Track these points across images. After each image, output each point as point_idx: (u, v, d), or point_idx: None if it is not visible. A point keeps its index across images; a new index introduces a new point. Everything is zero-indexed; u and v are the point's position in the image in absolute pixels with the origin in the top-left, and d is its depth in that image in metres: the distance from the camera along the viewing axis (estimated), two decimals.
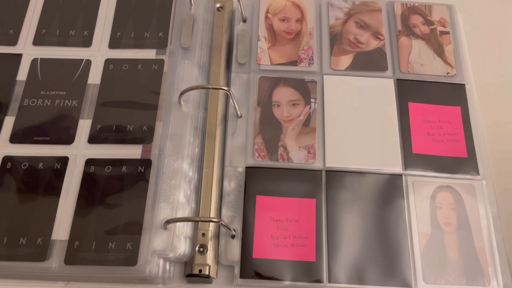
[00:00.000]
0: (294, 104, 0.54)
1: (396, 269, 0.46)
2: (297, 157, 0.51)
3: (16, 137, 0.49)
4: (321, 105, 0.54)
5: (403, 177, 0.51)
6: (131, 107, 0.50)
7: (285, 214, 0.48)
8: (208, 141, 0.52)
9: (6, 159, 0.47)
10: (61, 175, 0.47)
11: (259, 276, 0.46)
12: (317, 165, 0.51)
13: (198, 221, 0.48)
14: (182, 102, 0.51)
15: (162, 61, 0.53)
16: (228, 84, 0.56)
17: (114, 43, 0.54)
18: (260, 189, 0.49)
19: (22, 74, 0.52)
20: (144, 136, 0.48)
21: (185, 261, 0.47)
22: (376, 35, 0.59)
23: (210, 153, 0.51)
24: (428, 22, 0.60)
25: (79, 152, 0.48)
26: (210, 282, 0.47)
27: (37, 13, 0.56)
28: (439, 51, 0.58)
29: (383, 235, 0.48)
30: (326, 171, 0.51)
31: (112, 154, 0.48)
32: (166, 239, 0.44)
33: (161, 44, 0.54)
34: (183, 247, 0.45)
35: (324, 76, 0.56)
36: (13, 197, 0.45)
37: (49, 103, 0.50)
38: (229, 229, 0.46)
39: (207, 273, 0.46)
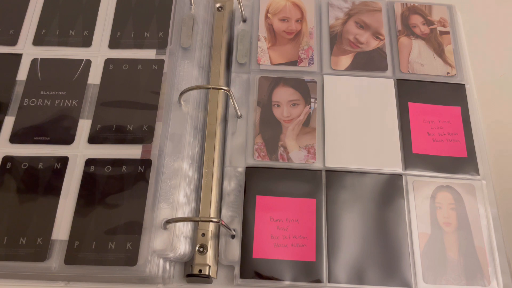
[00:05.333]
0: (294, 104, 0.54)
1: (396, 269, 0.46)
2: (297, 157, 0.51)
3: (16, 137, 0.49)
4: (321, 105, 0.54)
5: (403, 177, 0.51)
6: (131, 107, 0.50)
7: (285, 214, 0.48)
8: (208, 141, 0.52)
9: (6, 159, 0.47)
10: (61, 175, 0.47)
11: (259, 276, 0.46)
12: (317, 165, 0.51)
13: (198, 221, 0.48)
14: (182, 102, 0.51)
15: (162, 61, 0.53)
16: (228, 84, 0.56)
17: (114, 43, 0.54)
18: (260, 189, 0.49)
19: (22, 74, 0.52)
20: (144, 136, 0.48)
21: (185, 261, 0.47)
22: (376, 35, 0.59)
23: (210, 153, 0.51)
24: (428, 22, 0.60)
25: (79, 152, 0.48)
26: (210, 282, 0.47)
27: (37, 13, 0.56)
28: (439, 51, 0.58)
29: (383, 235, 0.48)
30: (326, 171, 0.51)
31: (112, 154, 0.48)
32: (166, 239, 0.44)
33: (161, 44, 0.54)
34: (183, 247, 0.45)
35: (324, 76, 0.56)
36: (13, 197, 0.45)
37: (49, 103, 0.50)
38: (229, 229, 0.46)
39: (207, 273, 0.46)
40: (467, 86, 0.56)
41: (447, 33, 0.59)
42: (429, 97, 0.55)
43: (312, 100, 0.54)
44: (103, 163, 0.47)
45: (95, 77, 0.52)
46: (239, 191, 0.50)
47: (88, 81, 0.52)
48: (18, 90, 0.51)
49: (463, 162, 0.52)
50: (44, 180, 0.46)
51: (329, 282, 0.46)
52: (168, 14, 0.56)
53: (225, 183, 0.50)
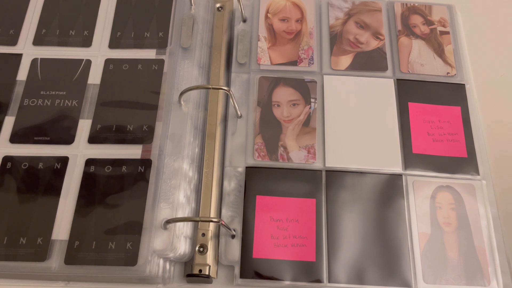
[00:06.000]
0: (294, 104, 0.54)
1: (396, 269, 0.46)
2: (297, 157, 0.51)
3: (16, 137, 0.49)
4: (321, 105, 0.54)
5: (403, 177, 0.51)
6: (131, 107, 0.50)
7: (285, 214, 0.48)
8: (208, 141, 0.52)
9: (6, 159, 0.47)
10: (61, 175, 0.47)
11: (259, 276, 0.46)
12: (317, 165, 0.51)
13: (198, 221, 0.48)
14: (182, 102, 0.51)
15: (162, 61, 0.53)
16: (228, 84, 0.56)
17: (114, 43, 0.54)
18: (260, 189, 0.49)
19: (22, 74, 0.52)
20: (144, 136, 0.48)
21: (185, 261, 0.47)
22: (376, 35, 0.59)
23: (210, 153, 0.51)
24: (428, 22, 0.60)
25: (79, 152, 0.48)
26: (210, 282, 0.47)
27: (37, 13, 0.56)
28: (439, 51, 0.58)
29: (383, 235, 0.48)
30: (326, 171, 0.51)
31: (112, 154, 0.48)
32: (166, 239, 0.44)
33: (161, 44, 0.54)
34: (183, 247, 0.45)
35: (324, 76, 0.56)
36: (13, 197, 0.45)
37: (49, 103, 0.50)
38: (229, 229, 0.46)
39: (207, 273, 0.46)
40: (467, 86, 0.56)
41: (447, 33, 0.59)
42: (429, 97, 0.55)
43: (312, 100, 0.54)
44: (103, 163, 0.47)
45: (95, 77, 0.52)
46: (239, 191, 0.50)
47: (88, 81, 0.52)
48: (18, 90, 0.51)
49: (463, 162, 0.52)
50: (44, 180, 0.46)
51: (329, 282, 0.46)
52: (168, 14, 0.56)
53: (225, 183, 0.50)
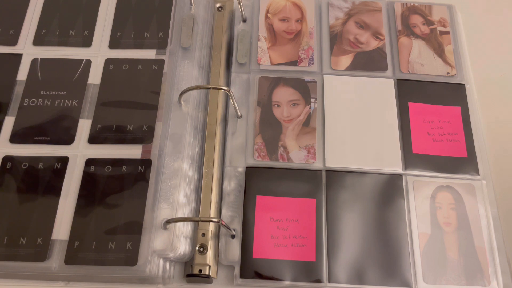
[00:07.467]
0: (294, 104, 0.54)
1: (396, 269, 0.46)
2: (297, 157, 0.51)
3: (16, 137, 0.49)
4: (321, 105, 0.54)
5: (403, 177, 0.51)
6: (131, 107, 0.50)
7: (285, 214, 0.48)
8: (208, 141, 0.52)
9: (6, 159, 0.47)
10: (61, 175, 0.47)
11: (259, 276, 0.46)
12: (317, 165, 0.51)
13: (198, 221, 0.48)
14: (182, 102, 0.51)
15: (162, 61, 0.53)
16: (228, 84, 0.56)
17: (114, 43, 0.54)
18: (260, 189, 0.49)
19: (22, 74, 0.52)
20: (144, 136, 0.48)
21: (185, 261, 0.47)
22: (376, 35, 0.59)
23: (210, 153, 0.51)
24: (428, 22, 0.60)
25: (79, 152, 0.48)
26: (210, 282, 0.47)
27: (37, 13, 0.56)
28: (439, 51, 0.58)
29: (383, 235, 0.48)
30: (326, 171, 0.51)
31: (112, 154, 0.48)
32: (166, 239, 0.44)
33: (161, 44, 0.54)
34: (183, 247, 0.45)
35: (324, 76, 0.56)
36: (13, 197, 0.45)
37: (49, 103, 0.50)
38: (229, 229, 0.46)
39: (207, 273, 0.46)
40: (467, 86, 0.56)
41: (447, 33, 0.59)
42: (429, 97, 0.55)
43: (312, 100, 0.54)
44: (103, 163, 0.47)
45: (95, 77, 0.52)
46: (239, 191, 0.50)
47: (88, 81, 0.52)
48: (18, 90, 0.51)
49: (463, 162, 0.52)
50: (44, 180, 0.46)
51: (329, 282, 0.46)
52: (168, 14, 0.56)
53: (225, 183, 0.50)
